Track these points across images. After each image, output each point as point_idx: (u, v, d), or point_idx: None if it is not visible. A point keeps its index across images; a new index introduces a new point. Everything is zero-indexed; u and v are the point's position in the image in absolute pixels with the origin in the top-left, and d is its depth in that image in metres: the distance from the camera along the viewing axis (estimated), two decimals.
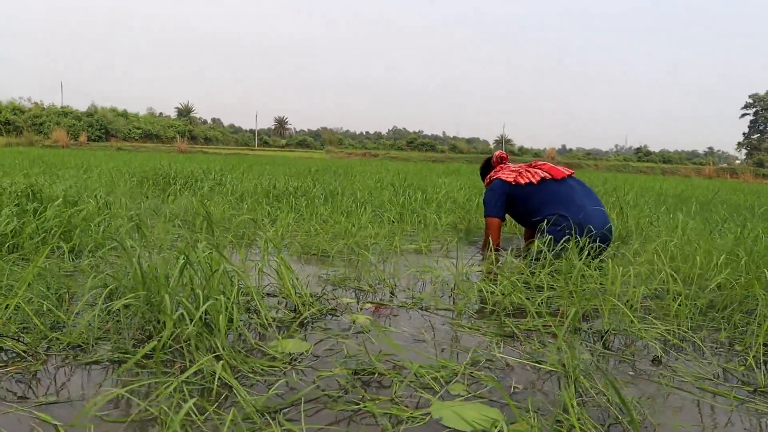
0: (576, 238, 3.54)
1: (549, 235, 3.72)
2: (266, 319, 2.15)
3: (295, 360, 1.90)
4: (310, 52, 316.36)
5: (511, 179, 4.20)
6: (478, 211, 5.76)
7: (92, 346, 1.91)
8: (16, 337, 1.91)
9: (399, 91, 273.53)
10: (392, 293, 2.87)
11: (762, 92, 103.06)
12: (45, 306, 2.10)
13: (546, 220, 3.88)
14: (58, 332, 1.98)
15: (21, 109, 49.15)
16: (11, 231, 3.14)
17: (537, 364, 1.97)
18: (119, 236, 3.39)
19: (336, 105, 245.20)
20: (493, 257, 3.81)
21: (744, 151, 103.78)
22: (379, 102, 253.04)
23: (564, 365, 1.89)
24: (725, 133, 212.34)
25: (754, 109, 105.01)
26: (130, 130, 50.04)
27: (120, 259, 3.21)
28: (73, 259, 3.17)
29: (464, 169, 17.92)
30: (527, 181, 4.13)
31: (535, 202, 4.07)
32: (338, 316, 2.42)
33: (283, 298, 2.51)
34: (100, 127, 48.02)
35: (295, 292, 2.43)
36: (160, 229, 3.91)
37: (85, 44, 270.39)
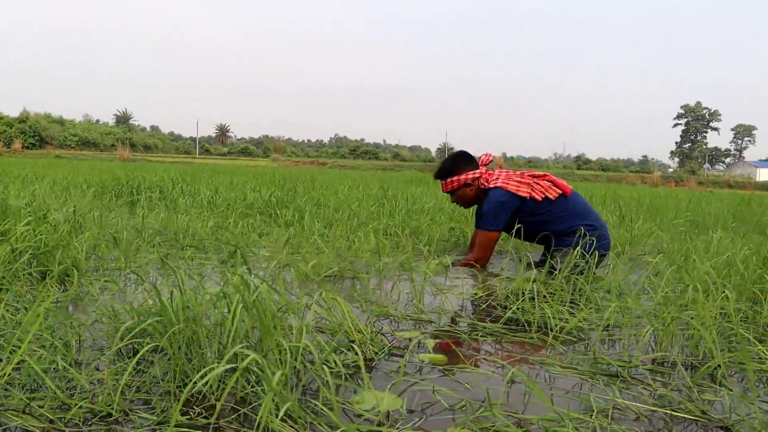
0: (599, 249, 3.52)
1: (572, 247, 3.50)
2: (335, 364, 1.74)
3: (392, 420, 1.50)
4: (250, 57, 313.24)
5: (525, 193, 3.72)
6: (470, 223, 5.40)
7: (127, 413, 1.47)
8: (26, 409, 1.45)
9: (339, 98, 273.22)
10: (453, 321, 2.48)
11: (692, 103, 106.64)
12: (56, 360, 1.62)
13: (578, 232, 3.60)
14: (77, 397, 1.52)
15: None
16: None
17: (687, 416, 1.61)
18: (137, 267, 2.92)
19: (277, 112, 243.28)
20: (530, 273, 3.44)
21: (677, 159, 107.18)
22: (319, 109, 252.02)
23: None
24: (658, 142, 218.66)
25: (685, 119, 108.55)
26: (66, 138, 48.41)
27: (115, 285, 2.74)
28: (60, 287, 2.69)
29: (427, 179, 17.61)
30: (543, 196, 3.75)
31: (557, 215, 3.75)
32: (403, 355, 2.02)
33: (331, 335, 2.09)
34: (34, 134, 46.27)
35: (354, 328, 2.01)
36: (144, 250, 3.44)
37: (15, 46, 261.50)
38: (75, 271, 2.76)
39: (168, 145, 63.34)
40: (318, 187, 8.69)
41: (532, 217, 3.76)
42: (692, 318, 2.14)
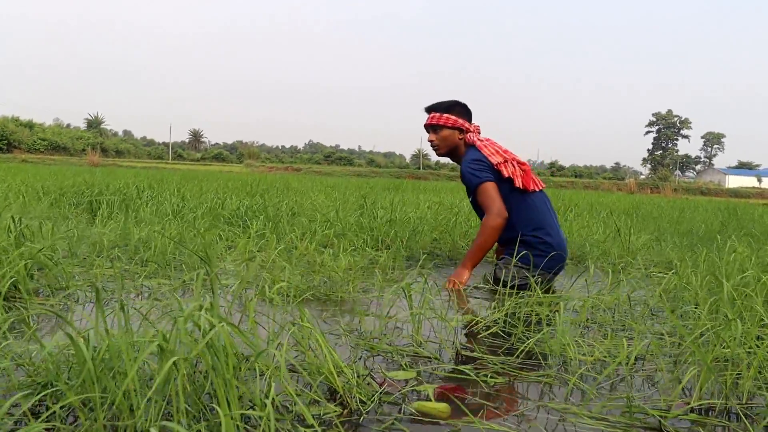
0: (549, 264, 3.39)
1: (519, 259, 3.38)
2: (312, 422, 1.37)
3: None
4: (225, 60, 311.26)
5: (494, 161, 3.46)
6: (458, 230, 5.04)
7: None
8: None
9: (314, 102, 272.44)
10: (458, 355, 2.12)
11: (663, 111, 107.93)
12: None
13: (524, 240, 3.44)
14: None
15: None
16: None
17: None
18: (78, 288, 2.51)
19: (251, 118, 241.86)
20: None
21: (649, 166, 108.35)
22: (293, 115, 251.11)
23: None
24: (630, 149, 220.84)
25: (657, 127, 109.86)
26: (35, 142, 47.43)
27: (49, 312, 2.35)
28: None
29: (405, 185, 17.27)
30: (508, 176, 3.46)
31: (515, 211, 3.45)
32: (398, 404, 1.65)
33: (309, 376, 1.71)
34: (2, 138, 45.19)
35: (336, 370, 1.63)
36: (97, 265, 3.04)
37: None
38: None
39: (140, 150, 62.42)
40: (292, 194, 8.29)
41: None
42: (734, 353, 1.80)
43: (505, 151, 3.55)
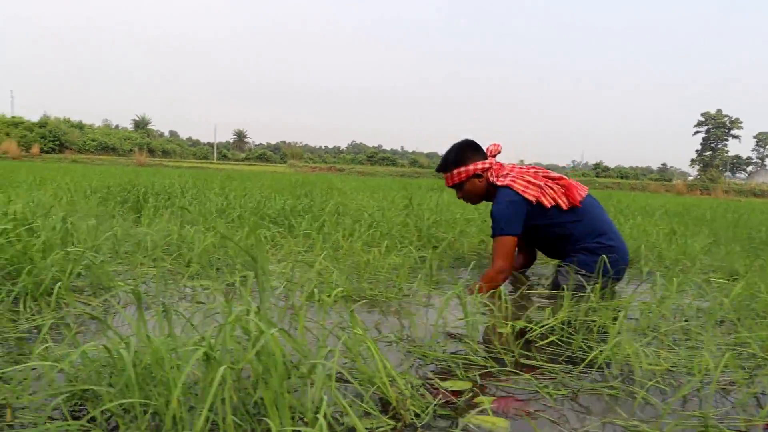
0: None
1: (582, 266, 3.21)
2: None
3: None
4: (269, 62, 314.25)
5: (532, 197, 3.22)
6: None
7: None
8: None
9: (357, 105, 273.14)
10: (516, 364, 2.00)
11: (713, 110, 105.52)
12: None
13: (587, 247, 3.28)
14: None
15: None
16: None
17: None
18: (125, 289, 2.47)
19: (295, 118, 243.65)
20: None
21: (697, 167, 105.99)
22: (336, 116, 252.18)
23: None
24: (677, 149, 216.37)
25: (706, 127, 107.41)
26: (85, 142, 48.41)
27: (86, 306, 2.31)
28: (29, 310, 2.26)
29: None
30: (553, 203, 3.27)
31: (567, 228, 3.29)
32: (456, 417, 1.55)
33: (361, 386, 1.62)
34: (54, 139, 46.29)
35: (389, 381, 1.54)
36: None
37: (38, 54, 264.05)
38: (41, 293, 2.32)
39: (186, 150, 63.26)
40: (336, 194, 8.23)
41: (541, 227, 3.32)
42: None
43: (535, 175, 3.32)
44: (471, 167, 3.37)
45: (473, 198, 3.49)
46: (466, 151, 3.42)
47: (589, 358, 2.00)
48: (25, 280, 2.43)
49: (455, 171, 3.41)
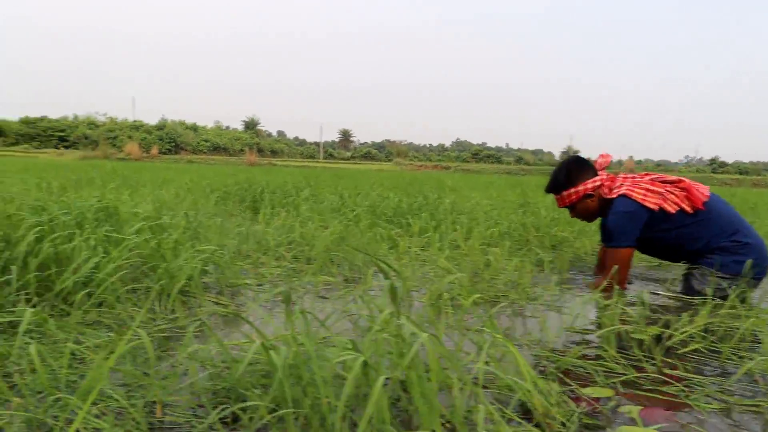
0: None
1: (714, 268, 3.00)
2: None
3: None
4: (371, 59, 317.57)
5: (653, 205, 3.03)
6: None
7: None
8: None
9: (460, 102, 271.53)
10: (659, 369, 1.88)
11: None
12: None
13: (726, 248, 3.05)
14: None
15: (96, 123, 50.38)
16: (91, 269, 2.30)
17: None
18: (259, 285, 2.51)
19: (399, 117, 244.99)
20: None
21: None
22: (440, 113, 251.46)
23: None
24: None
25: None
26: (198, 143, 50.51)
27: (224, 309, 2.35)
28: (165, 308, 2.33)
29: None
30: (677, 208, 3.06)
31: (694, 231, 3.07)
32: (603, 426, 1.47)
33: (498, 391, 1.56)
34: (170, 140, 48.57)
35: (536, 388, 1.47)
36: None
37: (156, 61, 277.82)
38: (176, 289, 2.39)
39: (293, 149, 64.84)
40: (448, 193, 8.17)
41: (663, 232, 3.10)
42: None
43: (652, 182, 3.13)
44: (581, 188, 3.23)
45: (588, 217, 3.36)
46: (573, 170, 3.28)
47: (744, 370, 1.86)
48: (161, 278, 2.51)
49: (565, 193, 3.28)
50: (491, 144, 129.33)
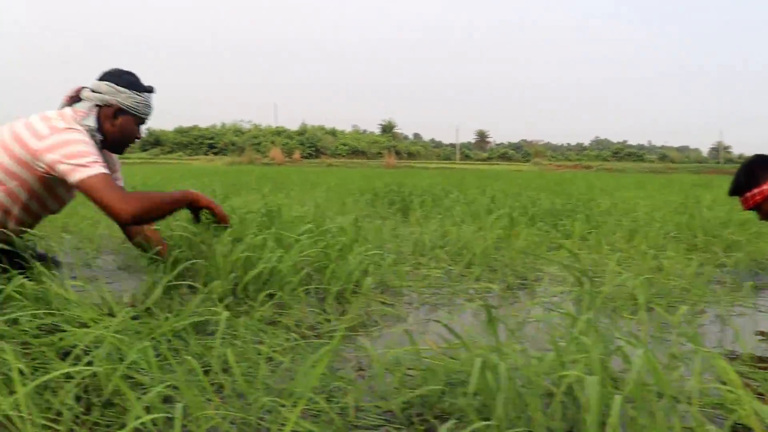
0: None
1: None
2: None
3: None
4: (504, 59, 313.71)
5: None
6: None
7: None
8: None
9: (599, 98, 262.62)
10: None
11: None
12: None
13: None
14: None
15: (241, 130, 53.04)
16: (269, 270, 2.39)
17: None
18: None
19: (534, 116, 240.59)
20: None
21: None
22: (578, 111, 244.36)
23: None
24: None
25: None
26: (337, 147, 51.83)
27: (392, 310, 2.35)
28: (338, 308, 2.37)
29: (712, 181, 15.75)
30: None
31: None
32: None
33: (704, 408, 1.44)
34: (311, 145, 50.20)
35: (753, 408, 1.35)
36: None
37: (295, 68, 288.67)
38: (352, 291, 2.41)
39: (429, 151, 65.06)
40: (599, 193, 7.87)
41: None
42: None
43: None
44: (766, 187, 2.99)
45: None
46: (756, 170, 3.04)
47: None
48: (330, 279, 2.55)
49: (748, 194, 3.04)
50: (632, 142, 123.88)
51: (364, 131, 67.89)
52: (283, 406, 1.31)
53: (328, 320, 2.28)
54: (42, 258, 2.79)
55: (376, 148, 54.57)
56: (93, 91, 2.53)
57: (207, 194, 2.67)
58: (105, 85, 2.51)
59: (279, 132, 52.67)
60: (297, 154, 43.85)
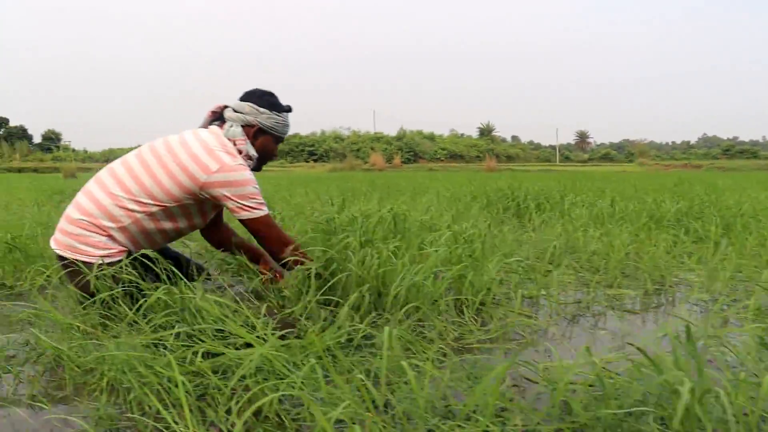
0: None
1: None
2: None
3: None
4: (599, 61, 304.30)
5: None
6: None
7: None
8: None
9: (706, 92, 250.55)
10: None
11: None
12: None
13: None
14: None
15: (341, 137, 53.83)
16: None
17: None
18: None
19: (637, 115, 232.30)
20: None
21: None
22: (683, 108, 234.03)
23: None
24: None
25: None
26: (435, 152, 51.74)
27: (529, 320, 2.33)
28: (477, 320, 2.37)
29: None
30: None
31: None
32: None
33: None
34: (409, 150, 50.36)
35: None
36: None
37: (393, 73, 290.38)
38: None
39: (528, 154, 63.96)
40: (723, 193, 7.50)
41: None
42: None
43: None
44: None
45: None
46: None
47: None
48: (466, 289, 2.55)
49: None
50: (743, 138, 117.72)
51: (462, 135, 67.44)
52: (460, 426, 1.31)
53: (471, 331, 2.28)
54: (200, 268, 2.96)
55: (474, 151, 54.14)
56: (236, 111, 2.66)
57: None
58: (248, 106, 2.65)
59: (378, 138, 53.11)
60: (397, 159, 44.07)
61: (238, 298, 2.17)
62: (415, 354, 1.88)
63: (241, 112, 2.65)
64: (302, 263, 2.49)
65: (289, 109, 2.76)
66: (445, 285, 2.46)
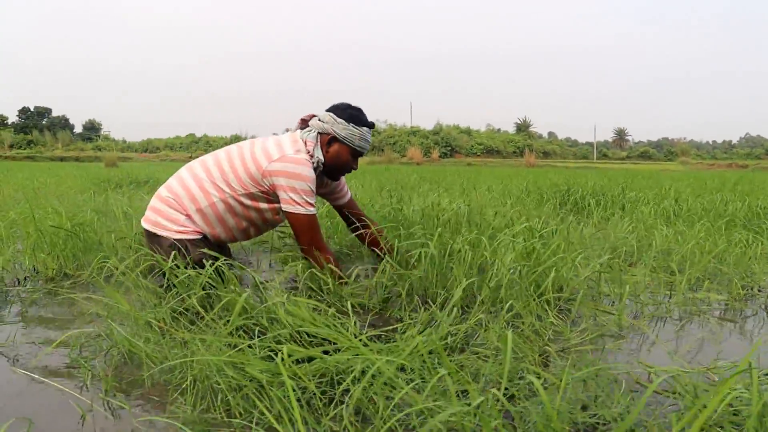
0: None
1: None
2: None
3: None
4: (643, 57, 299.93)
5: None
6: None
7: None
8: None
9: (750, 90, 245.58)
10: None
11: None
12: None
13: None
14: None
15: (377, 130, 53.77)
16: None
17: None
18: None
19: (677, 113, 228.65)
20: None
21: None
22: (725, 106, 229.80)
23: None
24: None
25: None
26: (472, 146, 51.42)
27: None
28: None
29: None
30: None
31: None
32: None
33: None
34: (446, 144, 50.10)
35: None
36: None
37: (429, 67, 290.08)
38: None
39: (565, 150, 63.26)
40: None
41: None
42: None
43: None
44: None
45: None
46: None
47: None
48: (551, 285, 2.45)
49: None
50: None
51: (498, 130, 67.00)
52: None
53: (559, 331, 2.18)
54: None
55: (511, 147, 53.68)
56: (319, 120, 2.80)
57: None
58: (328, 116, 2.78)
59: (414, 132, 52.89)
60: (435, 154, 43.92)
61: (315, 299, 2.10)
62: (521, 356, 1.79)
63: (321, 121, 2.78)
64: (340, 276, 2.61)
65: (370, 125, 2.84)
66: (529, 281, 2.39)
